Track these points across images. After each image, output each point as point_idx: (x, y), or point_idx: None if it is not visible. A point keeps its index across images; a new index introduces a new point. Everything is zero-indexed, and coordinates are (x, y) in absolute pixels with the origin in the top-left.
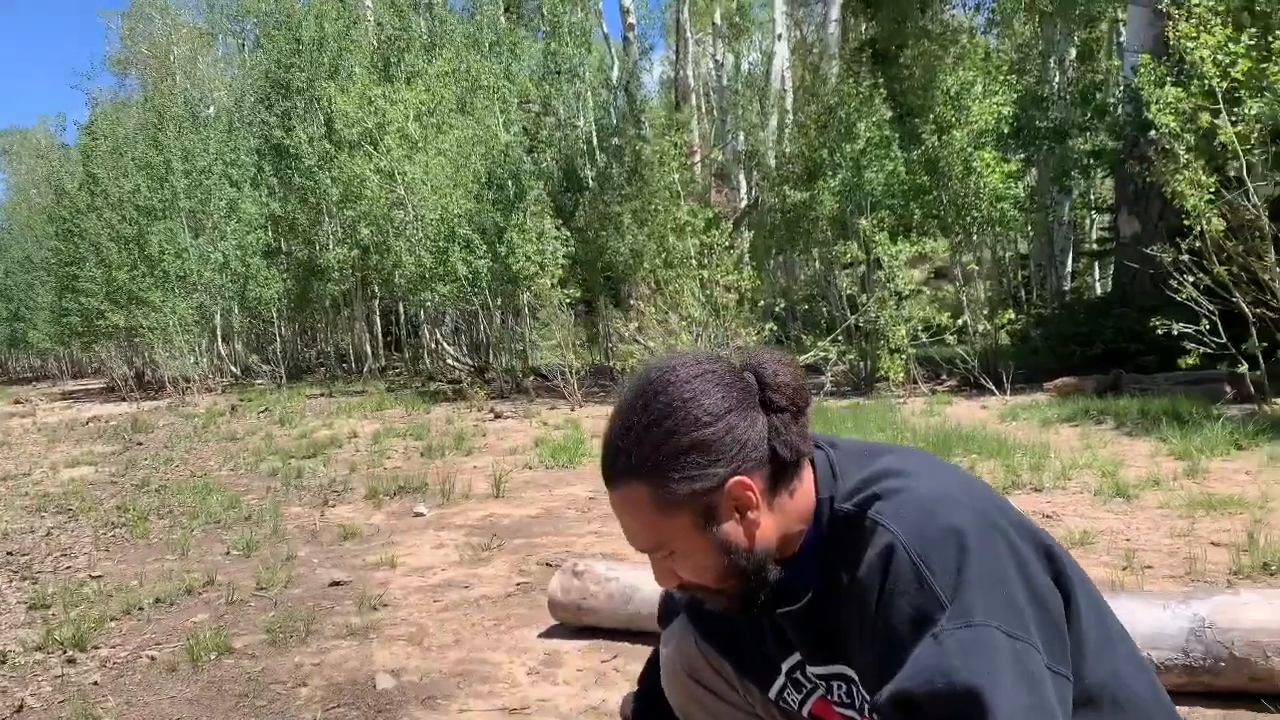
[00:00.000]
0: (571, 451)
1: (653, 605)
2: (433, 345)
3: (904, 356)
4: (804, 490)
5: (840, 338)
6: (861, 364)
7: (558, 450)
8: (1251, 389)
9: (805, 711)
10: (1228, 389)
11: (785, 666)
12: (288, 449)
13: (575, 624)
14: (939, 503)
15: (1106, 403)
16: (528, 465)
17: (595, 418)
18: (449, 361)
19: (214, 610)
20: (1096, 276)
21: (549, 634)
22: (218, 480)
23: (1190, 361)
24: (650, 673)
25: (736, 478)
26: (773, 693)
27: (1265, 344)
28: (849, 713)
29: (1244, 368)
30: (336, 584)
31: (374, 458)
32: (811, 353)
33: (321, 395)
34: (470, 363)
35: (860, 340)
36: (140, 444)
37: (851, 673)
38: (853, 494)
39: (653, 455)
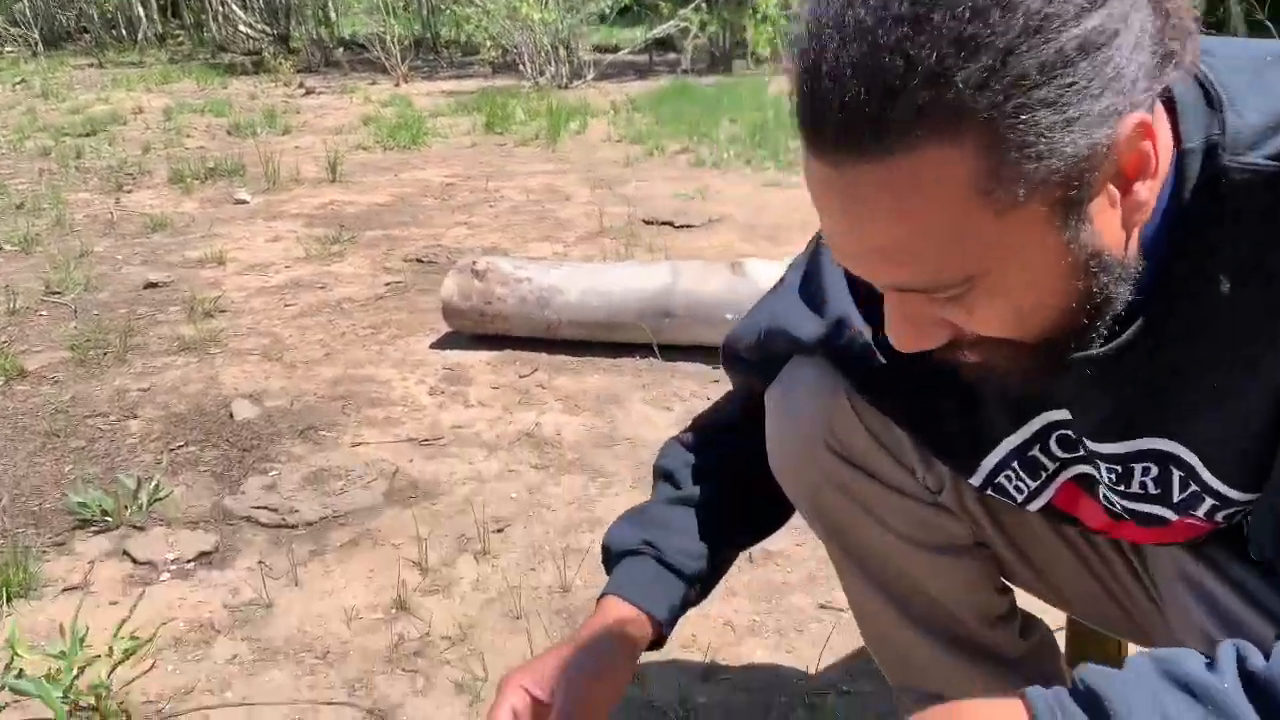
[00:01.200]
0: (413, 130)
1: (575, 311)
2: (220, 9)
3: (773, 26)
4: (1161, 137)
5: (703, 5)
6: (723, 35)
7: (396, 129)
8: None
9: (1037, 504)
10: None
11: (1014, 440)
12: (59, 125)
13: (477, 333)
14: None
15: None
16: (361, 146)
17: (427, 94)
18: (241, 29)
19: None
20: None
21: (443, 344)
22: None
23: None
24: (704, 436)
25: (1138, 114)
26: (979, 477)
27: None
28: (1146, 507)
29: None
30: (153, 285)
31: (171, 136)
32: (670, 22)
33: (90, 66)
34: (268, 31)
35: (722, 9)
36: None
37: (1183, 451)
38: (1268, 135)
39: (999, 74)
